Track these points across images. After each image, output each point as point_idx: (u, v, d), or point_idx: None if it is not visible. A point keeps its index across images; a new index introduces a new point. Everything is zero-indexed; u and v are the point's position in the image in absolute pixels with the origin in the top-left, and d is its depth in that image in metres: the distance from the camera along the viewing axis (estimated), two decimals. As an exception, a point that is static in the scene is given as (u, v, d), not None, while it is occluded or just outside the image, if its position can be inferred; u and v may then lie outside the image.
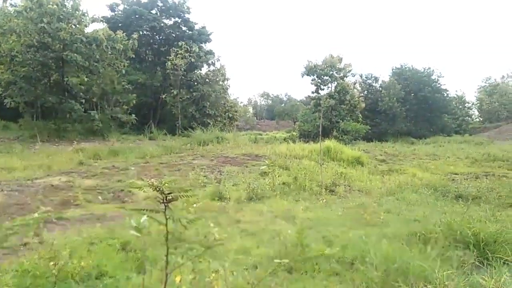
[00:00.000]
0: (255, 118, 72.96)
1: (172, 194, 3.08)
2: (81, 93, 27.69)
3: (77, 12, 26.23)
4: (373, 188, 11.59)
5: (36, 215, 3.35)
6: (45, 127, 25.11)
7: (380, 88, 45.51)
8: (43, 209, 3.93)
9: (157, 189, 2.89)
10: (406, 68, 48.49)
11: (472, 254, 4.87)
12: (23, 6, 24.59)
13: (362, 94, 42.52)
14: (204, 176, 11.76)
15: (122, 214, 7.89)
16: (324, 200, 9.54)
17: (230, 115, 37.24)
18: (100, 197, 9.50)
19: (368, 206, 7.70)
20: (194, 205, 6.00)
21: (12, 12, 26.90)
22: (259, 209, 8.52)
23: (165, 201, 3.06)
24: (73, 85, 25.31)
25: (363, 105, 38.45)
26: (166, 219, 3.07)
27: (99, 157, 17.02)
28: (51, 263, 4.37)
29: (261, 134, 41.00)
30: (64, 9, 25.33)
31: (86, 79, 25.28)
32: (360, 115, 37.98)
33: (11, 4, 32.11)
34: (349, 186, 11.90)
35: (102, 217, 7.65)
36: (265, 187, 10.41)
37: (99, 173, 12.83)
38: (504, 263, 4.58)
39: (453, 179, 13.38)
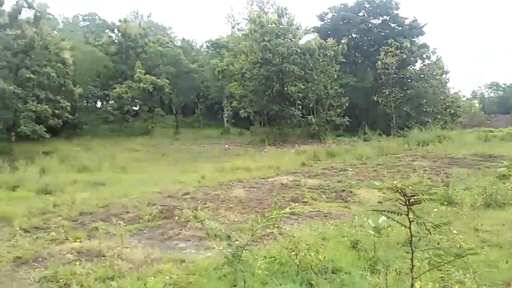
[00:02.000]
0: (483, 113, 63.24)
1: (415, 197, 2.99)
2: (299, 100, 30.31)
3: (291, 27, 29.01)
4: None
5: (287, 209, 3.83)
6: (271, 132, 28.66)
7: None
8: (292, 205, 4.42)
9: (400, 191, 2.86)
10: None
11: None
12: (248, 29, 28.79)
13: None
14: (429, 179, 10.92)
15: (346, 213, 8.19)
16: None
17: (452, 111, 33.50)
18: (323, 196, 10.09)
19: None
20: (435, 209, 5.64)
21: (240, 36, 31.91)
22: (500, 217, 7.33)
23: (408, 203, 3.01)
24: (292, 93, 27.88)
25: None
26: (410, 222, 3.01)
27: (318, 158, 18.18)
28: (293, 253, 4.86)
29: (492, 131, 35.16)
30: (280, 26, 28.35)
31: (302, 87, 27.46)
32: None
33: (238, 29, 38.20)
34: None
35: (328, 215, 8.10)
36: (507, 193, 8.86)
37: (320, 173, 13.65)
38: None
39: None
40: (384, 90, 32.30)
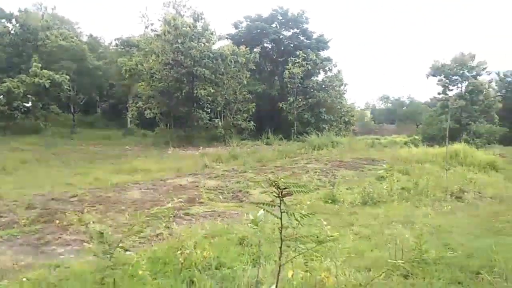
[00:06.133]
0: (373, 122, 70.06)
1: (287, 189, 3.24)
2: (207, 104, 30.38)
3: (206, 32, 29.03)
4: (510, 196, 10.17)
5: (169, 205, 3.83)
6: (176, 135, 28.14)
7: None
8: (175, 200, 4.44)
9: (273, 184, 3.06)
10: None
11: None
12: (162, 30, 28.12)
13: (500, 94, 37.53)
14: (318, 179, 11.77)
15: (240, 212, 8.43)
16: (449, 207, 8.71)
17: (346, 119, 36.56)
18: (221, 196, 10.25)
19: (502, 215, 6.80)
20: (308, 202, 6.11)
21: (152, 36, 31.01)
22: (374, 213, 8.22)
23: (280, 195, 3.24)
24: (201, 97, 27.88)
25: (500, 105, 33.92)
26: (281, 212, 3.23)
27: (221, 160, 18.35)
28: (178, 252, 4.87)
29: (379, 139, 39.11)
30: (195, 30, 28.22)
31: (212, 91, 27.60)
32: (497, 116, 33.57)
33: (151, 29, 37.06)
34: (480, 193, 10.64)
35: (222, 214, 8.25)
36: (382, 192, 9.95)
37: (221, 175, 13.83)
38: None
39: None
40: (289, 98, 33.98)
